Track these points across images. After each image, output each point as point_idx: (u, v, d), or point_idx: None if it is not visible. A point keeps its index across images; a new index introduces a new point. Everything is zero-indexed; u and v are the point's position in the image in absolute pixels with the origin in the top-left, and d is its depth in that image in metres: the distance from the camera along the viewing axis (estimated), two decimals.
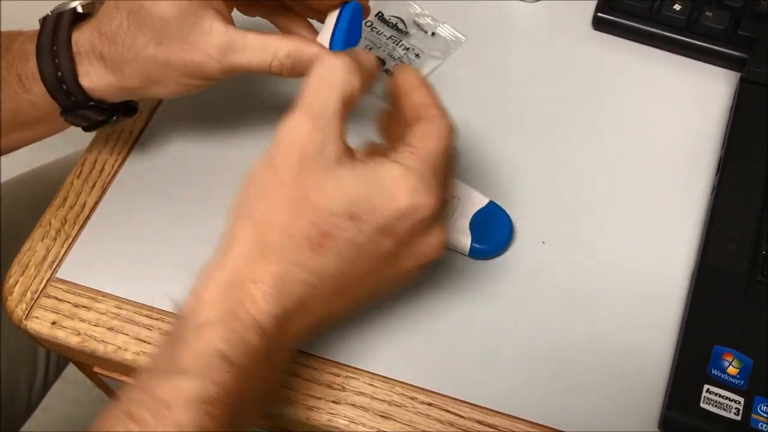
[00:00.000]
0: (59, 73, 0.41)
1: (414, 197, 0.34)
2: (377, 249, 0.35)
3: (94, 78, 0.41)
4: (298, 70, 0.41)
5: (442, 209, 0.36)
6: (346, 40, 0.41)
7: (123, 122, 0.47)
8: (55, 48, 0.41)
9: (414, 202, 0.34)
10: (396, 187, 0.34)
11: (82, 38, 0.41)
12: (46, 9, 0.44)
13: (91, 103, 0.42)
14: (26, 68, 0.41)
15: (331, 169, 0.34)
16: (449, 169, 0.37)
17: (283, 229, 0.34)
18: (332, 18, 0.42)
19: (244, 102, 0.52)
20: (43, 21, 0.42)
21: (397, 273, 0.37)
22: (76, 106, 0.42)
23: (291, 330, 0.35)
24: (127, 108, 0.45)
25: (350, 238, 0.34)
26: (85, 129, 0.45)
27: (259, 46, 0.40)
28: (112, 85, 0.41)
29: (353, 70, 0.36)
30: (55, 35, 0.41)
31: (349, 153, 0.35)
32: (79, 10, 0.42)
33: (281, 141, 0.35)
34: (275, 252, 0.34)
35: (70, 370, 0.65)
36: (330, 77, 0.35)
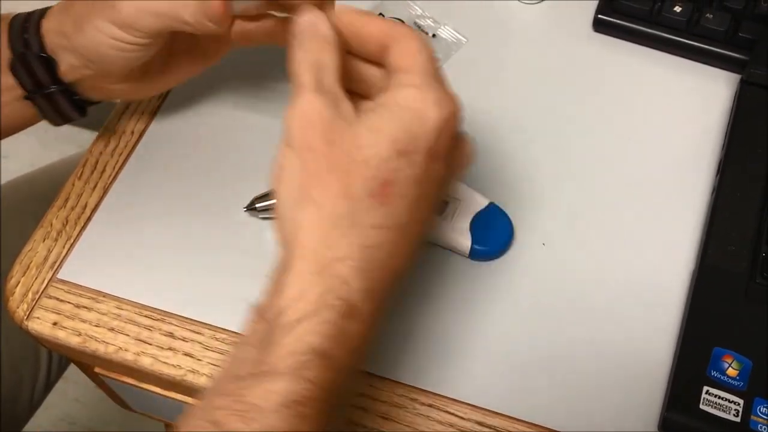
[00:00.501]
0: (26, 23, 0.43)
1: (442, 108, 0.33)
2: (433, 175, 0.34)
3: (48, 21, 0.43)
4: (196, 21, 0.39)
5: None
6: None
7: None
8: (26, 24, 0.43)
9: (443, 112, 0.33)
10: (422, 107, 0.33)
11: (47, 21, 0.43)
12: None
13: (42, 54, 0.43)
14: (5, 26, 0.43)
15: (357, 122, 0.33)
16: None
17: (345, 195, 0.32)
18: None
19: (246, 105, 0.52)
20: (12, 18, 0.44)
21: (443, 183, 0.36)
22: (28, 50, 0.43)
23: (382, 302, 0.33)
24: (74, 101, 0.46)
25: (409, 175, 0.33)
26: (28, 95, 0.44)
27: None
28: (55, 26, 0.42)
29: (331, 43, 0.35)
30: (27, 21, 0.43)
31: (361, 105, 0.35)
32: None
33: (296, 124, 0.34)
34: (347, 220, 0.32)
35: (72, 369, 0.66)
36: (311, 49, 0.35)
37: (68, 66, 0.43)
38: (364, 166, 0.32)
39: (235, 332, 0.44)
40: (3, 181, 0.70)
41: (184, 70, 0.47)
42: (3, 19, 0.44)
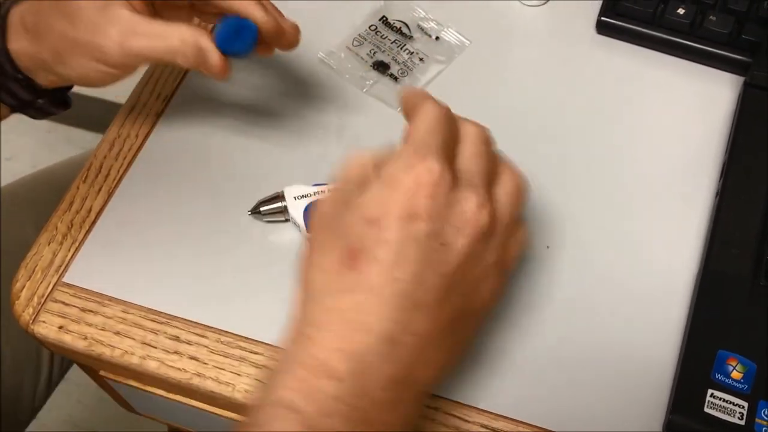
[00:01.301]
0: None
1: (412, 170, 0.33)
2: (412, 237, 0.33)
3: (16, 43, 0.43)
4: (200, 61, 0.42)
5: (485, 177, 0.35)
6: (224, 40, 0.42)
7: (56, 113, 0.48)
8: None
9: (415, 174, 0.33)
10: (393, 173, 0.33)
11: (18, 10, 0.43)
12: None
13: (19, 75, 0.44)
14: None
15: (338, 203, 0.35)
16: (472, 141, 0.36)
17: (320, 268, 0.34)
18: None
19: (251, 106, 0.52)
20: None
21: (456, 259, 0.33)
22: (4, 76, 0.44)
23: (374, 368, 0.32)
24: (57, 98, 0.47)
25: (380, 240, 0.33)
26: (14, 109, 0.46)
27: (161, 32, 0.41)
28: (29, 52, 0.43)
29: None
30: None
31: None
32: None
33: (310, 227, 0.37)
34: (321, 290, 0.34)
35: (74, 371, 0.66)
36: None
37: (47, 80, 0.45)
38: (336, 236, 0.34)
39: (240, 335, 0.44)
40: (5, 183, 0.70)
41: None
42: None
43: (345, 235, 0.34)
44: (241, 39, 0.43)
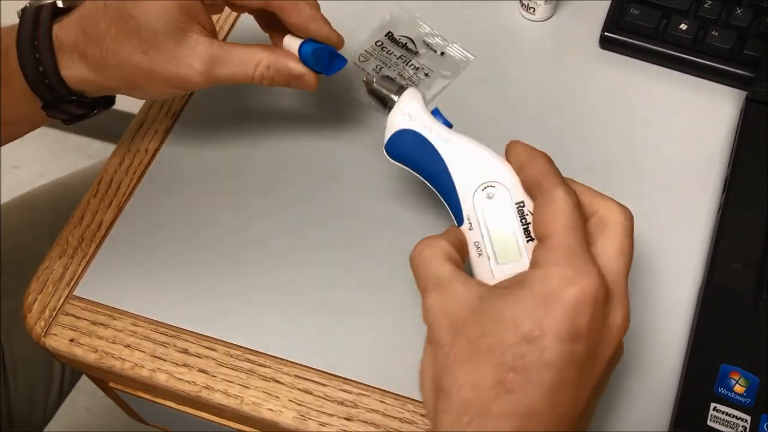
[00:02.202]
0: (41, 68, 0.41)
1: (573, 287, 0.32)
2: (575, 359, 0.32)
3: (74, 73, 0.42)
4: (277, 81, 0.44)
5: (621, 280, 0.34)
6: (319, 65, 0.44)
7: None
8: (35, 42, 0.41)
9: (577, 291, 0.32)
10: (550, 289, 0.32)
11: (63, 34, 0.42)
12: None
13: (73, 97, 0.43)
14: (6, 64, 0.42)
15: (480, 308, 0.33)
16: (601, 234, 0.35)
17: (472, 384, 0.32)
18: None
19: (259, 122, 0.53)
20: (22, 14, 0.43)
21: (601, 370, 0.33)
22: (57, 100, 0.43)
23: None
24: (107, 101, 0.47)
25: (538, 360, 0.31)
26: (65, 122, 0.46)
27: (242, 59, 0.42)
28: (94, 82, 0.42)
29: (434, 237, 0.36)
30: (36, 29, 0.41)
31: (488, 288, 0.34)
32: (60, 4, 0.43)
33: (427, 324, 0.35)
34: (477, 408, 0.32)
35: (82, 379, 0.66)
36: (424, 257, 0.36)
37: (99, 94, 0.45)
38: (489, 353, 0.32)
39: (249, 348, 0.45)
40: (18, 191, 0.71)
41: None
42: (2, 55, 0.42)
43: (499, 351, 0.32)
44: (335, 67, 0.46)
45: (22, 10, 0.43)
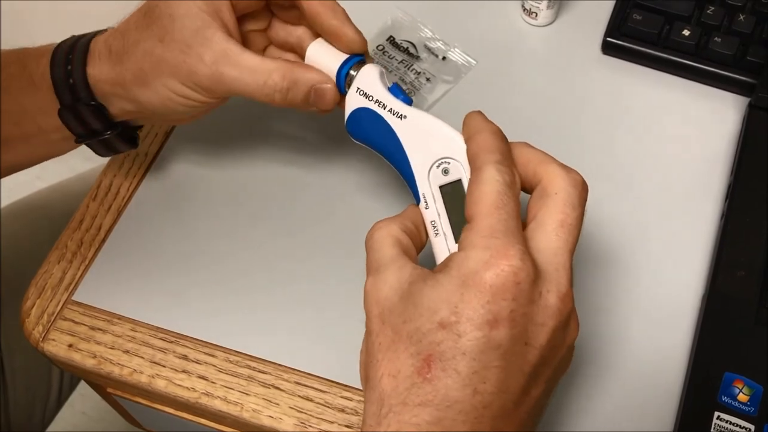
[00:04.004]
0: (69, 66, 0.41)
1: (489, 270, 0.30)
2: (494, 345, 0.30)
3: (96, 71, 0.41)
4: (293, 95, 0.40)
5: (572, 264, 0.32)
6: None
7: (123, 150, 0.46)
8: (72, 47, 0.42)
9: (492, 275, 0.30)
10: (467, 272, 0.31)
11: (101, 37, 0.42)
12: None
13: (92, 102, 0.42)
14: (37, 67, 0.42)
15: (408, 293, 0.32)
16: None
17: (391, 374, 0.31)
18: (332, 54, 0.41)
19: (259, 126, 0.53)
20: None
21: (536, 356, 0.31)
22: (76, 102, 0.42)
23: None
24: (126, 136, 0.45)
25: (454, 348, 0.30)
26: (78, 139, 0.44)
27: (255, 65, 0.39)
28: (109, 76, 0.41)
29: (389, 219, 0.36)
30: (80, 38, 0.42)
31: (421, 273, 0.33)
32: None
33: (365, 311, 0.34)
34: (395, 398, 0.31)
35: (79, 382, 0.66)
36: (374, 240, 0.35)
37: (120, 110, 0.43)
38: (408, 340, 0.31)
39: (249, 355, 0.44)
40: (15, 193, 0.70)
41: None
42: (41, 55, 0.43)
43: (416, 339, 0.31)
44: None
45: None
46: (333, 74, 0.41)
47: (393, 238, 0.35)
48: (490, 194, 0.32)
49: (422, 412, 0.30)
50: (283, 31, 0.44)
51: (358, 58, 0.41)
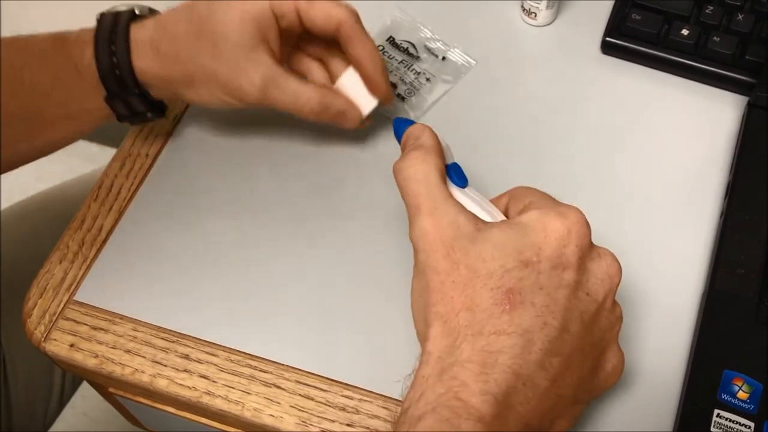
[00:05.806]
0: (114, 59, 0.44)
1: (563, 221, 0.35)
2: (562, 283, 0.34)
3: (143, 65, 0.44)
4: (322, 116, 0.46)
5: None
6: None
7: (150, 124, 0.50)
8: (113, 36, 0.44)
9: (566, 224, 0.35)
10: (545, 222, 0.35)
11: (141, 31, 0.44)
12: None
13: (137, 91, 0.45)
14: (81, 56, 0.44)
15: (479, 237, 0.34)
16: None
17: (469, 307, 0.33)
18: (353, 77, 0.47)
19: (261, 127, 0.53)
20: (101, 17, 0.45)
21: (593, 305, 0.35)
22: (123, 92, 0.45)
23: (515, 412, 0.32)
24: (160, 109, 0.48)
25: (534, 283, 0.33)
26: (120, 118, 0.47)
27: (296, 90, 0.45)
28: (159, 76, 0.44)
29: (428, 152, 0.37)
30: (115, 26, 0.44)
31: (478, 219, 0.36)
32: (137, 12, 0.45)
33: (419, 248, 0.35)
34: (471, 329, 0.33)
35: (81, 383, 0.66)
36: (417, 172, 0.36)
37: (162, 95, 0.47)
38: (488, 277, 0.33)
39: (250, 354, 0.45)
40: (16, 194, 0.70)
41: None
42: (83, 43, 0.44)
43: (498, 275, 0.33)
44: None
45: (101, 14, 0.45)
46: (359, 104, 0.47)
47: (440, 173, 0.37)
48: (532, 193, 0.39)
49: (497, 340, 0.32)
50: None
51: (411, 122, 0.41)
